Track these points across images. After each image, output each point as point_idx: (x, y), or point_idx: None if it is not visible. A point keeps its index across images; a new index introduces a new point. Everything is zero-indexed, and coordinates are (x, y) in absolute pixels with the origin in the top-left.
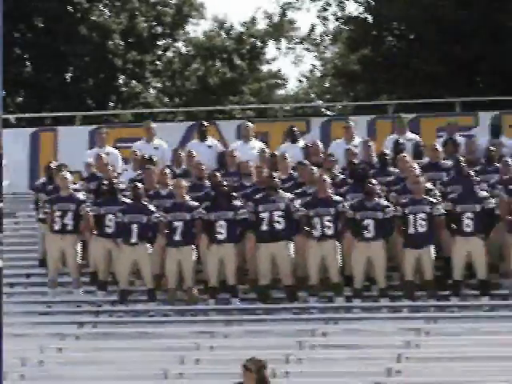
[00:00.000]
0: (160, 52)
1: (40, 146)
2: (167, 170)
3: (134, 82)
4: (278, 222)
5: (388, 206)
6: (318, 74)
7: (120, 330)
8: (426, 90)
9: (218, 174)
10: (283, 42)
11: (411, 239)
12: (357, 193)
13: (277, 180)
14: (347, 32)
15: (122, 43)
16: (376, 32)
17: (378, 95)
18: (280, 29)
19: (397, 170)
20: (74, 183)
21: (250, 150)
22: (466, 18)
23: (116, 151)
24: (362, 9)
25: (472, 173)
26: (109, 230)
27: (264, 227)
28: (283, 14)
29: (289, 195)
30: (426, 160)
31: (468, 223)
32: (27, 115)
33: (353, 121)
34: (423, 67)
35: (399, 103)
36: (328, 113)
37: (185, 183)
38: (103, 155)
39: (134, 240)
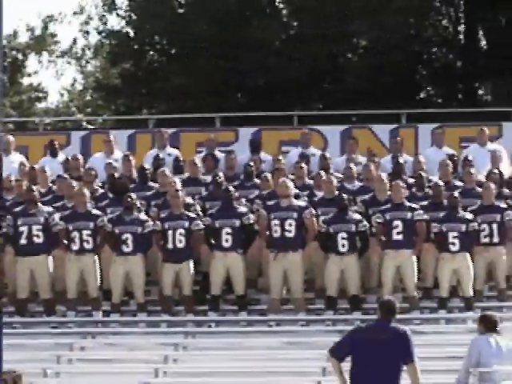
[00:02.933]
0: None
1: None
2: None
3: None
4: (37, 235)
5: (147, 221)
6: (79, 87)
7: None
8: (187, 105)
9: None
10: (45, 55)
11: (170, 254)
12: (116, 207)
13: (36, 193)
14: (108, 46)
15: None
16: (137, 46)
17: (139, 109)
18: (42, 42)
19: (156, 185)
20: None
21: (9, 164)
22: (219, 33)
23: None
24: (123, 23)
25: (231, 188)
26: None
27: (23, 241)
28: (45, 28)
29: (48, 209)
30: (185, 175)
31: (227, 238)
32: None
33: (113, 135)
34: (183, 82)
35: (160, 118)
36: (89, 126)
37: None
38: None
39: None
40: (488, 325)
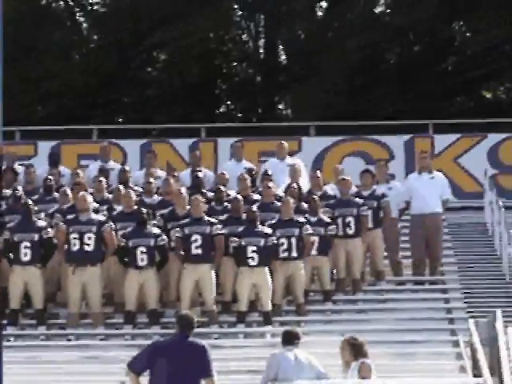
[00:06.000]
0: None
1: None
2: None
3: None
4: None
5: None
6: None
7: None
8: None
9: None
10: None
11: None
12: None
13: None
14: None
15: None
16: None
17: None
18: None
19: None
20: None
21: None
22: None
23: None
24: None
25: (30, 202)
26: None
27: None
28: None
29: None
30: None
31: (26, 252)
32: None
33: None
34: None
35: None
36: None
37: None
38: None
39: None
40: (289, 339)
